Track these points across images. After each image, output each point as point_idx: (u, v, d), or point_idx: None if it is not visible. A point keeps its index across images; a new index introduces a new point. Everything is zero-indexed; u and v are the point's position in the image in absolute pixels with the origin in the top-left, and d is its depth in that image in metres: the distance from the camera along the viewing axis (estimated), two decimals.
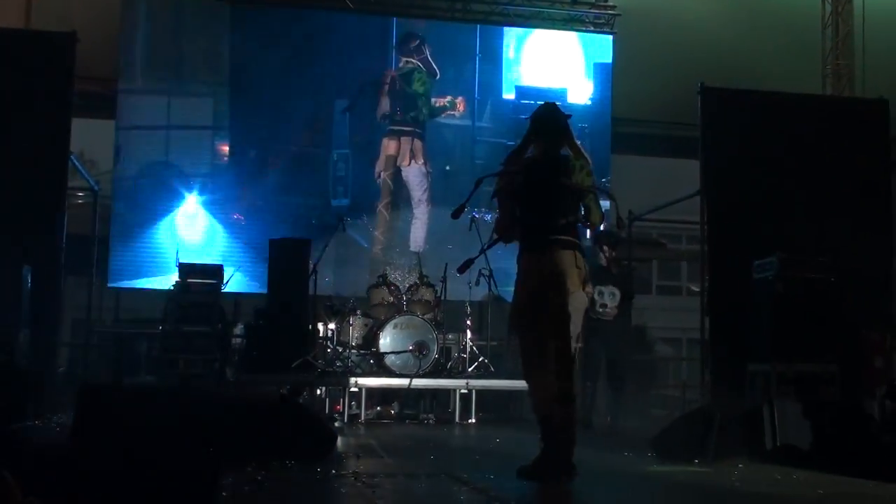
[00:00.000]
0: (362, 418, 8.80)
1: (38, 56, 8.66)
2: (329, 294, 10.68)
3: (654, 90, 12.79)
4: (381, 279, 10.03)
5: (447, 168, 12.28)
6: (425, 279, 9.79)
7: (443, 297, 9.83)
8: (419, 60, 12.26)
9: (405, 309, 9.51)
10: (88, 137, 11.74)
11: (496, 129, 12.31)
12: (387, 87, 12.21)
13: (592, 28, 12.74)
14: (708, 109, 9.43)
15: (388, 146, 12.14)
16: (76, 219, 9.91)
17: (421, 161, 12.19)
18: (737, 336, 8.48)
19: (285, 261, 10.06)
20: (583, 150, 5.29)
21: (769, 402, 6.20)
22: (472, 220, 9.71)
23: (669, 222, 15.52)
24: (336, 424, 8.27)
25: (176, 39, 11.99)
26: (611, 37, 12.64)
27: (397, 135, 12.18)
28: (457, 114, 12.33)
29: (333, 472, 4.90)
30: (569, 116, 5.26)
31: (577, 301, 4.94)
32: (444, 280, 9.84)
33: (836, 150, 9.88)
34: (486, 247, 5.46)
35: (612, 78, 12.52)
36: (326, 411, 8.97)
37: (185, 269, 8.98)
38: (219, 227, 11.78)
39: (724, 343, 8.76)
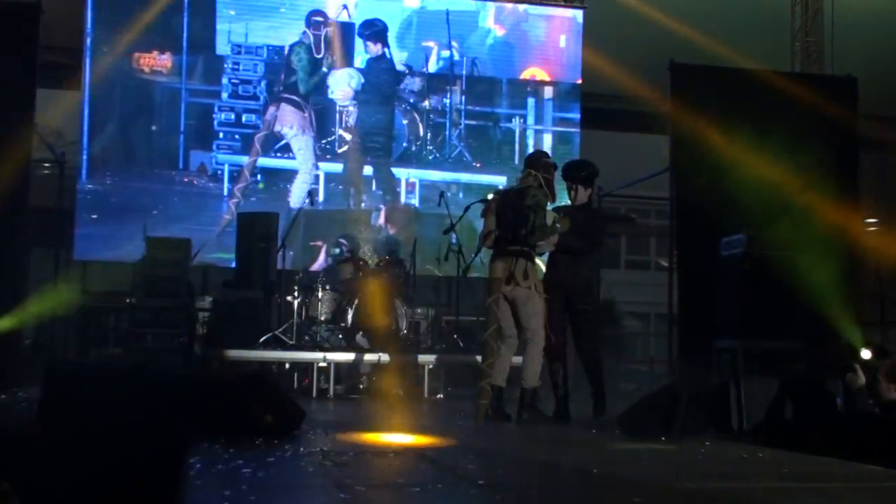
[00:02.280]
0: (331, 394, 8.80)
1: (1, 27, 8.52)
2: (297, 269, 10.62)
3: (624, 65, 12.77)
4: (349, 253, 9.99)
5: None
6: (394, 254, 9.78)
7: (412, 272, 9.82)
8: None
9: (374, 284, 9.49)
10: (54, 107, 11.57)
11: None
12: None
13: (563, 2, 12.68)
14: (677, 85, 9.47)
15: None
16: (42, 191, 9.80)
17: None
18: (704, 312, 8.53)
19: (253, 234, 9.99)
20: (548, 185, 6.83)
21: (735, 380, 6.27)
22: (441, 195, 9.72)
23: (638, 198, 15.62)
24: (304, 400, 8.26)
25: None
26: (581, 11, 12.60)
27: None
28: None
29: (302, 449, 4.90)
30: (548, 164, 6.94)
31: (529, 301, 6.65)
32: (412, 255, 9.83)
33: (804, 126, 9.94)
34: (475, 254, 7.40)
35: (582, 53, 12.49)
36: (295, 387, 8.95)
37: (153, 243, 8.90)
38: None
39: (691, 319, 8.84)
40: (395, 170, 12.03)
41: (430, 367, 9.08)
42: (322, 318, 9.38)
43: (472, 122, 12.27)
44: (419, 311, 10.10)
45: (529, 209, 6.57)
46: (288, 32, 11.89)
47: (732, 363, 8.09)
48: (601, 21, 12.55)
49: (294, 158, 11.78)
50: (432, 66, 12.24)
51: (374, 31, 12.06)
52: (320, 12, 11.98)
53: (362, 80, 12.00)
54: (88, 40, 11.33)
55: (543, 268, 7.38)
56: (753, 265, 8.51)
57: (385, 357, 8.90)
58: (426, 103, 12.19)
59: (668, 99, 9.60)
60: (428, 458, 4.79)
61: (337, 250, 10.80)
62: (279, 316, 9.65)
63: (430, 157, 12.13)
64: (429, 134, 12.23)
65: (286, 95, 11.76)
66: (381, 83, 12.10)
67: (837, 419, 5.57)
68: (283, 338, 9.16)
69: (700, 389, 6.34)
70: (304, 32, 11.90)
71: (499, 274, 6.63)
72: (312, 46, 11.89)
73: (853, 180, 10.88)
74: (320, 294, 9.42)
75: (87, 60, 11.31)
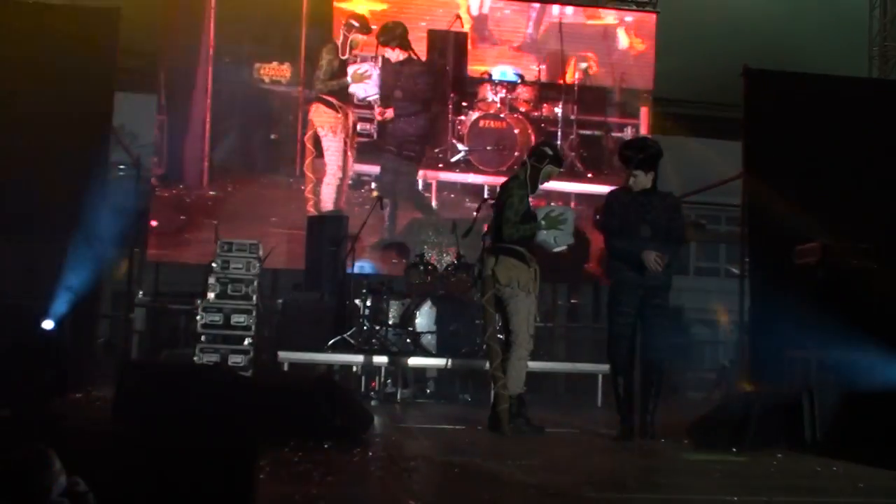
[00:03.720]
0: (398, 397, 8.84)
1: (82, 31, 8.75)
2: (366, 272, 10.68)
3: (698, 70, 12.62)
4: (418, 258, 10.03)
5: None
6: (462, 259, 9.78)
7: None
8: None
9: (442, 290, 9.53)
10: (131, 111, 11.83)
11: None
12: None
13: (635, 6, 12.58)
14: (751, 91, 9.33)
15: None
16: (118, 192, 10.02)
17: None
18: (776, 321, 8.39)
19: (323, 236, 10.08)
20: (534, 173, 6.42)
21: (809, 391, 6.13)
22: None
23: (709, 204, 15.40)
24: (372, 403, 8.32)
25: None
26: (654, 15, 12.47)
27: None
28: None
29: (370, 454, 4.93)
30: (541, 153, 6.49)
31: (511, 299, 6.32)
32: (481, 259, 9.79)
33: (881, 134, 9.71)
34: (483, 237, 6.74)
35: (655, 57, 12.35)
36: (362, 390, 9.02)
37: (224, 245, 9.04)
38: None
39: (764, 327, 8.69)
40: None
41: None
42: (390, 322, 9.43)
43: (584, 132, 12.09)
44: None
45: (503, 202, 6.37)
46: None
47: (805, 373, 7.96)
48: (674, 25, 12.40)
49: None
50: (570, 77, 12.14)
51: (391, 35, 11.80)
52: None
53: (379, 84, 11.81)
54: (211, 51, 11.51)
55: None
56: (828, 274, 8.36)
57: (451, 361, 8.91)
58: (538, 113, 12.08)
59: (741, 104, 9.46)
60: (495, 465, 4.78)
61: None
62: (348, 319, 9.71)
63: None
64: None
65: (322, 95, 11.73)
66: (411, 88, 11.86)
67: None
68: (352, 341, 9.23)
69: (772, 400, 6.22)
70: None
71: (487, 272, 6.40)
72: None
73: None
74: (388, 298, 9.46)
75: (210, 70, 11.49)
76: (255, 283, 8.90)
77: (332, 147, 11.63)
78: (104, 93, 8.88)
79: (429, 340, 9.19)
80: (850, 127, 9.33)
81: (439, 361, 8.93)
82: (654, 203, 6.24)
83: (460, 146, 11.75)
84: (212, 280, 8.76)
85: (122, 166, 11.60)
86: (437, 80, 11.89)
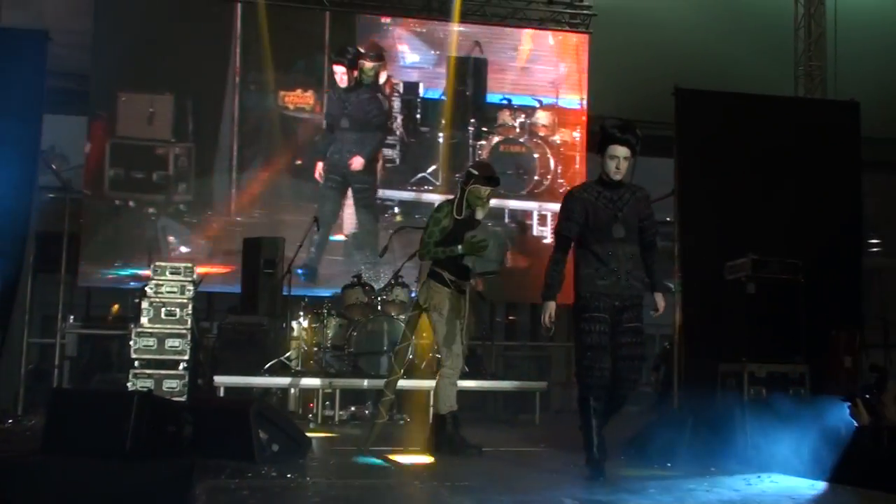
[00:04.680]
0: (336, 420, 8.78)
1: (9, 54, 8.59)
2: (303, 294, 10.62)
3: (630, 90, 12.83)
4: (355, 279, 10.00)
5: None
6: (400, 279, 9.78)
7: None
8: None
9: (380, 309, 9.51)
10: (60, 133, 11.63)
11: None
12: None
13: (568, 28, 12.75)
14: (682, 110, 9.49)
15: None
16: (47, 216, 9.82)
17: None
18: (709, 335, 8.53)
19: (259, 259, 10.00)
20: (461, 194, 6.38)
21: (741, 405, 6.25)
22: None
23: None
24: (310, 426, 8.25)
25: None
26: (587, 36, 12.66)
27: None
28: None
29: (308, 479, 4.89)
30: (468, 174, 6.44)
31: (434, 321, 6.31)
32: (419, 280, 9.81)
33: (808, 151, 9.95)
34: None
35: (588, 77, 12.54)
36: (300, 412, 8.94)
37: (157, 269, 8.91)
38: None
39: (696, 342, 8.83)
40: (526, 203, 12.21)
41: (435, 392, 9.03)
42: (328, 344, 9.37)
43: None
44: (424, 335, 10.07)
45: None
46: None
47: (737, 386, 8.10)
48: (606, 45, 12.60)
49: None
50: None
51: (342, 52, 11.99)
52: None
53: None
54: (237, 79, 11.74)
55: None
56: (757, 289, 8.53)
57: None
58: (556, 137, 12.42)
59: (673, 123, 9.62)
60: (437, 484, 4.78)
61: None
62: (285, 341, 9.63)
63: (560, 190, 11.95)
64: (559, 167, 12.40)
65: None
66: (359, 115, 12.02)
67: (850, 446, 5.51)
68: (289, 364, 9.16)
69: (706, 413, 6.32)
70: None
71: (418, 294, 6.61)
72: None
73: (856, 204, 10.85)
74: (326, 320, 9.42)
75: (237, 97, 11.74)
76: (190, 306, 8.78)
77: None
78: (33, 115, 8.71)
79: (367, 361, 9.15)
80: (778, 145, 9.55)
81: (377, 382, 8.89)
82: (624, 198, 5.44)
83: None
84: (145, 304, 8.62)
85: (51, 188, 11.38)
86: (380, 107, 12.04)
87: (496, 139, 12.25)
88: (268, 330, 9.60)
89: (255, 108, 11.77)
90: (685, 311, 9.06)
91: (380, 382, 8.79)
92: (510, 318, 15.45)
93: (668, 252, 10.49)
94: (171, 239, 11.37)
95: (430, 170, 12.10)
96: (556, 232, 5.56)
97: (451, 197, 6.62)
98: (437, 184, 11.98)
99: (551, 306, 5.34)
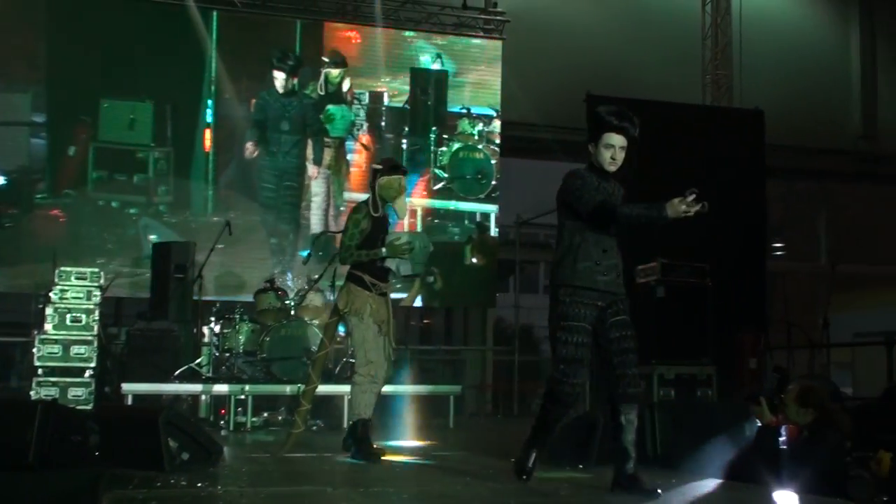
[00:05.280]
0: (248, 426, 8.67)
1: None
2: (214, 299, 10.47)
3: (543, 95, 12.98)
4: (268, 284, 9.90)
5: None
6: (314, 284, 9.71)
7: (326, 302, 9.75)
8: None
9: (293, 314, 9.42)
10: None
11: None
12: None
13: (482, 34, 12.84)
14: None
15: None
16: None
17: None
18: None
19: (169, 264, 9.82)
20: (373, 199, 6.28)
21: (650, 406, 6.36)
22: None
23: (555, 226, 15.80)
24: (222, 433, 8.13)
25: None
26: (500, 42, 12.76)
27: None
28: None
29: (219, 487, 4.81)
30: (373, 171, 6.42)
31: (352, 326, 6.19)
32: (333, 285, 9.76)
33: (715, 157, 10.22)
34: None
35: (502, 83, 12.66)
36: (211, 419, 8.80)
37: (62, 273, 8.68)
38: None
39: None
40: (485, 205, 12.75)
41: (349, 397, 8.99)
42: (240, 350, 9.25)
43: None
44: (339, 340, 10.03)
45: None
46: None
47: (647, 388, 8.27)
48: (520, 52, 12.73)
49: None
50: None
51: (283, 56, 12.24)
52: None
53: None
54: (213, 87, 12.04)
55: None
56: (666, 292, 8.73)
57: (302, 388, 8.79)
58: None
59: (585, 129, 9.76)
60: (348, 492, 4.75)
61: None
62: (196, 347, 9.47)
63: None
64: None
65: None
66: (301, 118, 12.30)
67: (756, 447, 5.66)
68: (200, 370, 9.01)
69: None
70: None
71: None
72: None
73: (761, 209, 11.18)
74: (238, 325, 9.29)
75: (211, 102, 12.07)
76: (97, 312, 8.58)
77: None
78: None
79: (280, 366, 9.06)
80: (685, 151, 9.80)
81: (290, 388, 8.82)
82: (616, 193, 5.06)
83: (442, 174, 12.57)
84: (49, 310, 8.38)
85: None
86: (317, 114, 12.30)
87: (456, 145, 12.75)
88: (178, 336, 9.45)
89: (229, 115, 12.07)
90: None
91: (293, 388, 8.75)
92: (425, 321, 15.49)
93: None
94: (152, 237, 11.45)
95: None
96: (584, 203, 4.82)
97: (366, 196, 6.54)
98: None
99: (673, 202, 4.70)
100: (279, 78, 12.12)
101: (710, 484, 5.25)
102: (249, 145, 12.06)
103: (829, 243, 16.38)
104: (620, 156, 4.94)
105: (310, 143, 12.20)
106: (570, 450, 5.97)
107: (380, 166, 6.43)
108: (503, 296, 14.60)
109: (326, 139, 12.27)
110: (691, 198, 4.60)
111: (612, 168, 4.94)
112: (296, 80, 12.18)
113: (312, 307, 9.56)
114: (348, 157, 12.35)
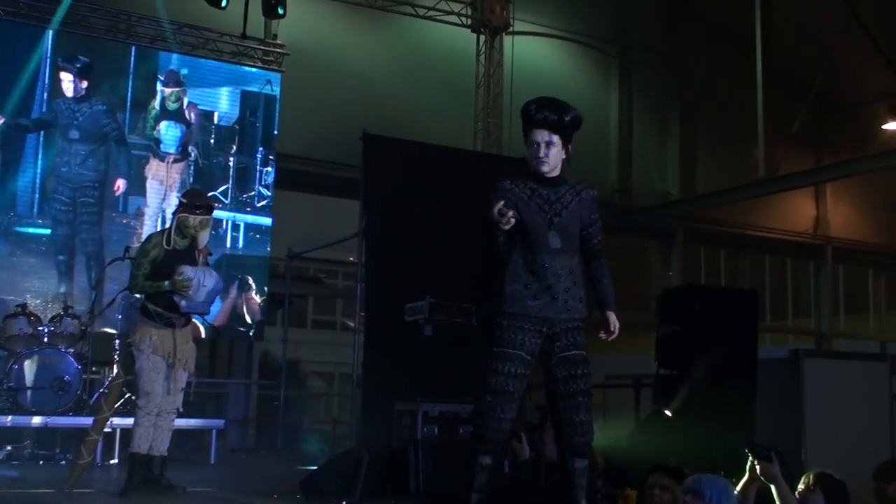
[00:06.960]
0: None
1: None
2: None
3: (320, 130, 13.04)
4: (19, 308, 9.30)
5: None
6: (71, 310, 9.23)
7: (90, 330, 9.30)
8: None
9: (46, 341, 8.89)
10: None
11: None
12: None
13: (261, 64, 12.74)
14: (369, 155, 9.78)
15: None
16: None
17: None
18: (387, 375, 8.78)
19: None
20: (169, 231, 6.16)
21: (414, 443, 6.48)
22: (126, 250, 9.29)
23: (328, 261, 15.87)
24: None
25: None
26: (279, 74, 12.71)
27: None
28: None
29: None
30: (178, 203, 6.29)
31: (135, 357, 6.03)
32: (91, 311, 9.32)
33: (481, 202, 10.58)
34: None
35: (279, 115, 12.60)
36: None
37: None
38: None
39: (375, 381, 9.05)
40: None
41: (105, 430, 8.56)
42: None
43: None
44: (95, 370, 9.55)
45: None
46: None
47: (411, 425, 8.39)
48: (297, 85, 12.74)
49: None
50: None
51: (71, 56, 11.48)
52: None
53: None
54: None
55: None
56: (434, 330, 8.92)
57: (54, 420, 8.32)
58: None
59: (360, 166, 9.89)
60: None
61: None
62: None
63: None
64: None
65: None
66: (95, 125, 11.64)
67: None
68: None
69: (381, 452, 6.49)
70: None
71: None
72: None
73: None
74: None
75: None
76: None
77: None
78: None
79: (28, 397, 8.52)
80: (455, 194, 10.06)
81: (38, 420, 8.31)
82: (565, 199, 4.42)
83: (265, 192, 12.53)
84: None
85: None
86: (115, 120, 11.72)
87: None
88: None
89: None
90: (366, 350, 9.28)
91: (41, 420, 8.25)
92: None
93: (353, 291, 10.76)
94: None
95: (220, 189, 12.32)
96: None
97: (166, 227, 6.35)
98: (226, 202, 12.30)
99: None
100: (65, 80, 11.26)
101: None
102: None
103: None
104: (550, 151, 4.32)
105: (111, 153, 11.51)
106: (334, 485, 5.98)
107: (184, 200, 6.25)
108: (271, 328, 14.41)
109: (167, 154, 11.86)
110: (499, 206, 4.11)
111: (544, 167, 4.34)
112: (85, 84, 11.37)
113: (67, 334, 9.06)
114: (181, 174, 11.98)
